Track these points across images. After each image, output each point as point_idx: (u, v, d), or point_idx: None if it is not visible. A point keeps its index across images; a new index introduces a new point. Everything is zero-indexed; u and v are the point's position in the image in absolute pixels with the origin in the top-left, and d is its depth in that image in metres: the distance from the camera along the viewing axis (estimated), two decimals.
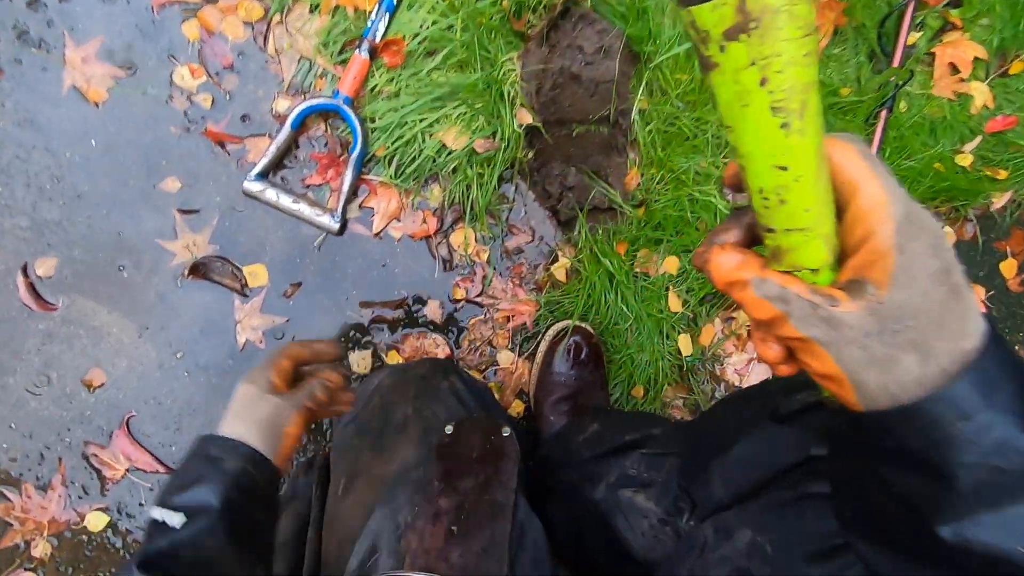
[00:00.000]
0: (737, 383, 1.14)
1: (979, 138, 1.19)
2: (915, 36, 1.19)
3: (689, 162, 1.05)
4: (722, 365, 1.14)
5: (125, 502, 0.94)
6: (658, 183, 1.07)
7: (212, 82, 0.98)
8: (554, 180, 1.08)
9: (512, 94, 0.99)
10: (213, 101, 0.98)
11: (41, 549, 0.91)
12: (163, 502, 0.51)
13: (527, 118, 1.00)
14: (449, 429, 0.68)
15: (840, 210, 0.29)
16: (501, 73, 0.98)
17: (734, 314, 1.14)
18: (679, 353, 1.10)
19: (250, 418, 0.57)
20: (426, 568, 0.53)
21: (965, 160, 1.17)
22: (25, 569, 0.91)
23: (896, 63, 1.12)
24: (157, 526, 0.49)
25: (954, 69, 1.20)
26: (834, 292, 0.28)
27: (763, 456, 0.57)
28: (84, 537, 0.93)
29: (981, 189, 1.16)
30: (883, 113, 1.11)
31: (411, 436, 0.72)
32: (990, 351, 0.28)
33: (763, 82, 0.24)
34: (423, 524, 0.58)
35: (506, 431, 0.68)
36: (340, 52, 1.00)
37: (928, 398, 0.27)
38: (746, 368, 1.14)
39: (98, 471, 0.94)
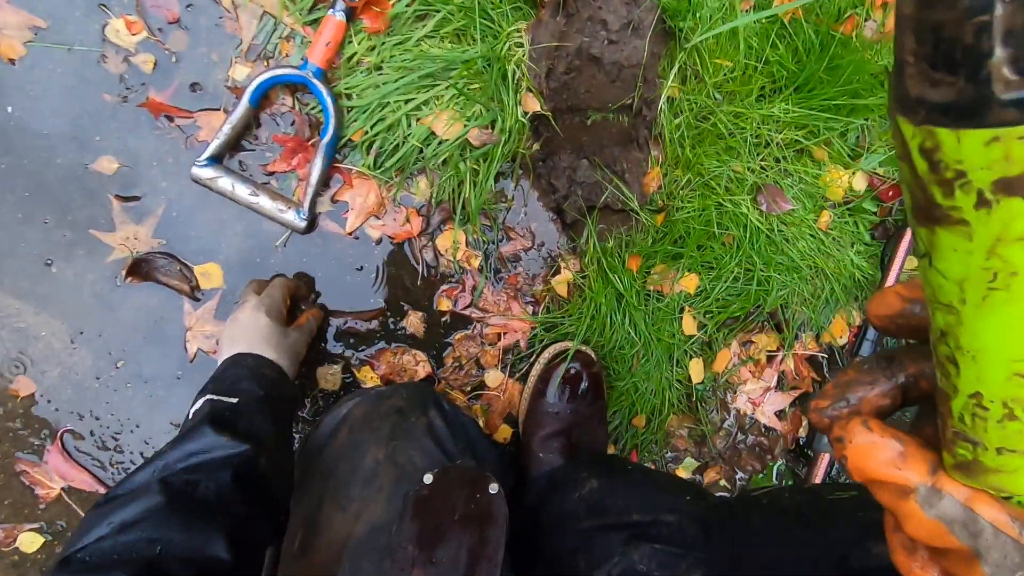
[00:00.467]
0: (750, 413, 1.03)
1: None
2: None
3: (722, 166, 0.89)
4: (735, 393, 1.03)
5: (60, 523, 0.85)
6: (683, 187, 0.92)
7: (154, 40, 0.81)
8: (561, 173, 0.93)
9: (518, 76, 0.82)
10: (156, 64, 0.81)
11: None
12: (213, 391, 0.62)
13: (534, 105, 0.83)
14: (428, 479, 0.60)
15: None
16: (506, 48, 0.81)
17: (754, 338, 1.01)
18: (688, 380, 0.98)
19: (279, 347, 0.71)
20: None
21: None
22: None
23: None
24: (212, 403, 0.61)
25: None
26: None
27: None
28: (16, 558, 0.84)
29: None
30: None
31: (382, 488, 0.63)
32: None
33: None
34: None
35: (494, 488, 0.60)
36: (311, 9, 0.82)
37: None
38: (761, 398, 1.03)
39: (31, 489, 0.84)
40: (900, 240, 0.96)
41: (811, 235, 0.97)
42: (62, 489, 0.84)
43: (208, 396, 0.61)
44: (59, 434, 0.83)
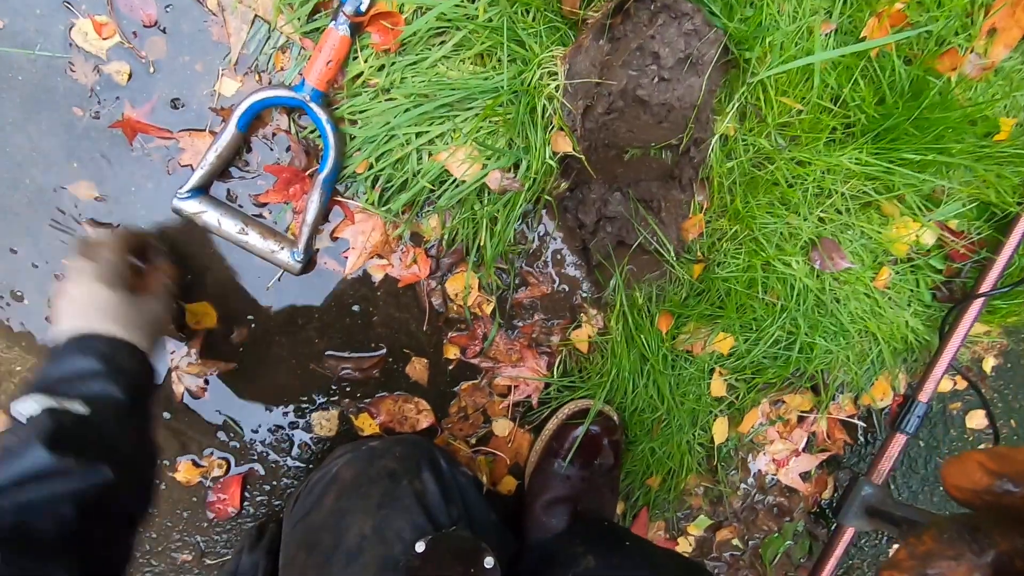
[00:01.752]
0: (772, 473, 0.97)
1: None
2: None
3: (777, 222, 0.78)
4: (760, 453, 0.95)
5: None
6: (728, 239, 0.81)
7: (128, 46, 0.69)
8: (590, 207, 0.82)
9: (549, 112, 0.70)
10: (131, 74, 0.70)
11: None
12: (51, 391, 0.49)
13: (565, 146, 0.71)
14: (420, 547, 0.57)
15: None
16: (536, 77, 0.68)
17: (785, 398, 0.93)
18: (711, 441, 0.90)
19: (132, 323, 0.56)
20: None
21: None
22: None
23: None
24: (52, 414, 0.46)
25: None
26: None
27: None
28: None
29: None
30: None
31: (367, 565, 0.58)
32: None
33: None
34: None
35: (489, 562, 0.57)
36: (311, 16, 0.69)
37: None
38: (787, 459, 0.96)
39: None
40: (968, 307, 0.85)
41: (866, 294, 0.86)
42: None
43: (44, 400, 0.47)
44: None
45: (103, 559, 0.47)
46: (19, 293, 0.74)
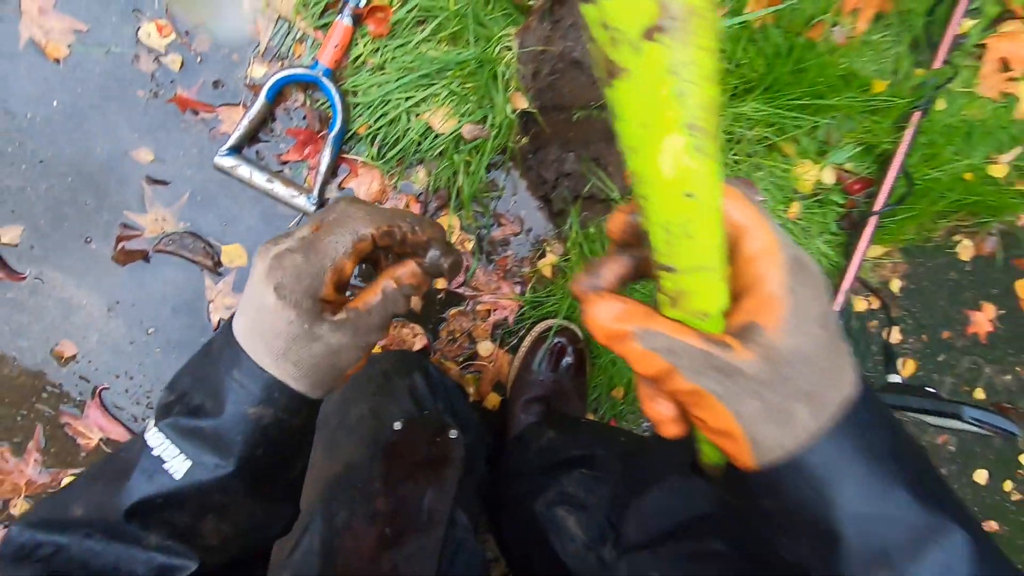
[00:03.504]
0: None
1: (1021, 148, 1.08)
2: (967, 24, 1.06)
3: None
4: None
5: None
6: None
7: (181, 42, 0.90)
8: (550, 166, 1.01)
9: (507, 76, 0.90)
10: (183, 63, 0.90)
11: (19, 508, 0.94)
12: (170, 428, 0.35)
13: (521, 103, 0.91)
14: (398, 426, 0.68)
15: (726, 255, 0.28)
16: (496, 51, 0.89)
17: None
18: None
19: (295, 358, 0.36)
20: (357, 572, 0.54)
21: (1000, 171, 1.08)
22: (3, 526, 0.94)
23: (941, 58, 1.00)
24: (150, 459, 0.35)
25: (1005, 66, 1.08)
26: (726, 339, 0.26)
27: (676, 505, 0.58)
28: None
29: (1010, 206, 1.07)
30: (915, 115, 1.01)
31: (362, 436, 0.71)
32: (864, 398, 0.28)
33: (680, 94, 0.21)
34: (358, 525, 0.59)
35: (453, 433, 0.68)
36: (321, 15, 0.90)
37: (814, 448, 0.26)
38: None
39: (72, 439, 0.95)
40: (863, 230, 1.03)
41: (781, 223, 1.04)
42: (100, 440, 0.95)
43: (156, 438, 0.35)
44: (98, 391, 0.94)
45: None
46: (89, 238, 0.92)
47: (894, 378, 0.90)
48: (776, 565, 0.31)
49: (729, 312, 0.28)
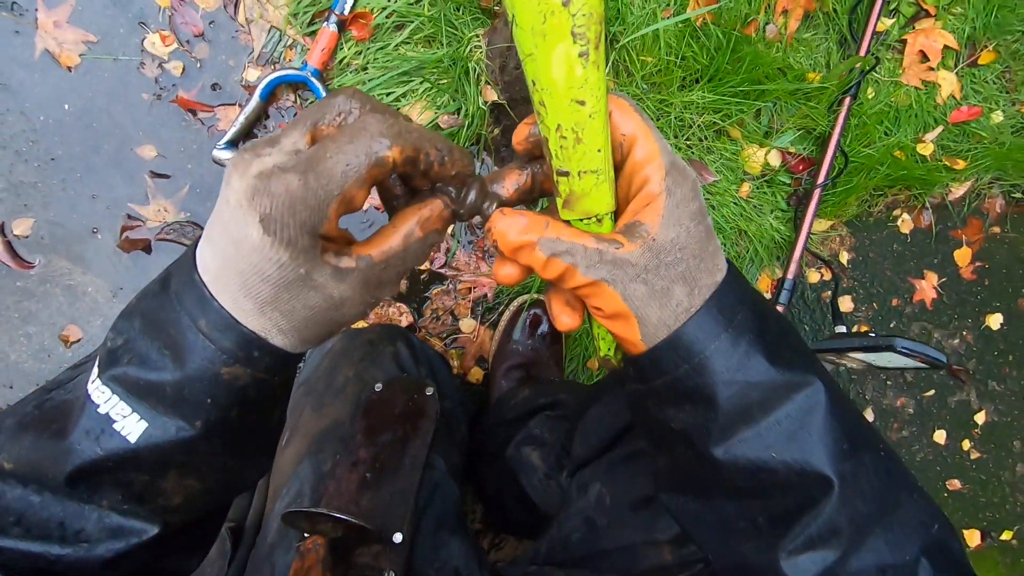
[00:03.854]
0: None
1: (941, 127, 1.20)
2: (888, 23, 1.20)
3: None
4: None
5: None
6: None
7: (183, 50, 1.00)
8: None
9: (477, 71, 1.00)
10: (184, 69, 1.00)
11: None
12: (115, 377, 0.30)
13: (492, 95, 1.02)
14: (378, 387, 0.72)
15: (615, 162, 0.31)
16: (467, 50, 1.00)
17: None
18: None
19: (282, 316, 0.29)
20: (337, 510, 0.56)
21: (926, 149, 1.20)
22: None
23: (864, 50, 1.13)
24: (94, 417, 0.30)
25: (924, 57, 1.21)
26: (616, 236, 0.31)
27: (611, 416, 0.63)
28: None
29: (939, 179, 1.18)
30: (847, 100, 1.12)
31: (347, 396, 0.75)
32: (729, 282, 0.33)
33: (566, 2, 0.24)
34: (341, 472, 0.63)
35: (429, 390, 0.73)
36: (309, 24, 1.01)
37: (686, 324, 0.31)
38: None
39: None
40: (809, 204, 1.13)
41: (734, 203, 1.15)
42: None
43: (100, 390, 0.30)
44: None
45: None
46: (95, 229, 0.99)
47: (840, 329, 0.98)
48: (671, 446, 0.37)
49: (620, 213, 0.33)
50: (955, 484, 1.27)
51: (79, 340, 0.99)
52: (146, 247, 1.00)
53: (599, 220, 0.32)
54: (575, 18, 0.24)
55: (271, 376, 0.31)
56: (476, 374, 1.10)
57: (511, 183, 0.34)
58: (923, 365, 0.83)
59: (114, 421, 0.30)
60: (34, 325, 0.99)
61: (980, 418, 1.28)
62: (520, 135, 0.33)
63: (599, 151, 0.29)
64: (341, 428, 0.70)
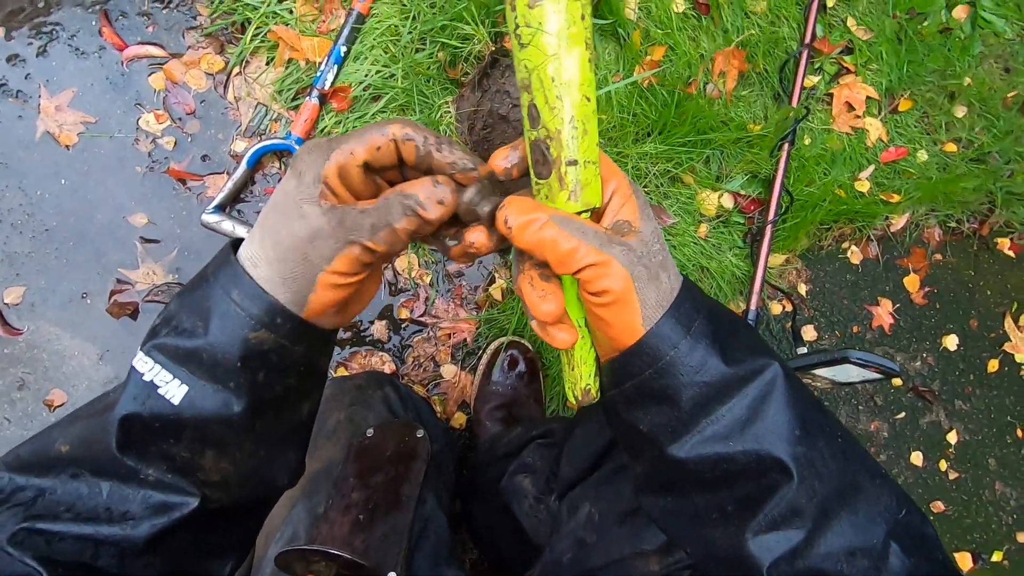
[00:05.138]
0: None
1: (874, 166, 1.32)
2: (815, 79, 1.34)
3: None
4: None
5: None
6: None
7: (175, 126, 1.08)
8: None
9: (448, 134, 1.10)
10: (176, 143, 1.08)
11: None
12: (158, 346, 0.34)
13: None
14: (370, 432, 0.74)
15: None
16: (438, 115, 1.10)
17: None
18: None
19: (270, 239, 0.35)
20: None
21: (863, 186, 1.31)
22: None
23: (794, 102, 1.26)
24: (140, 384, 0.34)
25: (850, 107, 1.35)
26: (609, 231, 0.35)
27: (597, 434, 0.65)
28: None
29: (877, 212, 1.28)
30: (785, 146, 1.24)
31: (339, 439, 0.77)
32: (684, 293, 0.36)
33: (583, 17, 0.30)
34: (335, 515, 0.64)
35: (420, 433, 0.74)
36: (293, 99, 1.11)
37: (648, 334, 0.35)
38: None
39: None
40: (762, 240, 1.22)
41: (693, 242, 1.23)
42: None
43: (144, 362, 0.34)
44: None
45: None
46: (85, 294, 1.03)
47: (801, 350, 1.04)
48: (641, 451, 0.39)
49: (603, 217, 0.37)
50: (939, 506, 1.29)
51: (63, 404, 1.00)
52: (134, 310, 1.04)
53: (591, 211, 0.35)
54: (588, 30, 0.30)
55: (291, 344, 0.36)
56: (459, 419, 1.12)
57: (514, 159, 0.35)
58: (879, 375, 0.88)
59: (158, 387, 0.34)
60: (18, 391, 1.00)
61: (952, 438, 1.31)
62: (505, 158, 0.35)
63: (597, 144, 0.33)
64: (333, 471, 0.71)
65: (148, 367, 0.34)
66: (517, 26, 0.30)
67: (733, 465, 0.35)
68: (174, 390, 0.34)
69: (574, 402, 0.43)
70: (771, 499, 0.35)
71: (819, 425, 0.37)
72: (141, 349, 0.34)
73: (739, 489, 0.36)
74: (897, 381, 1.32)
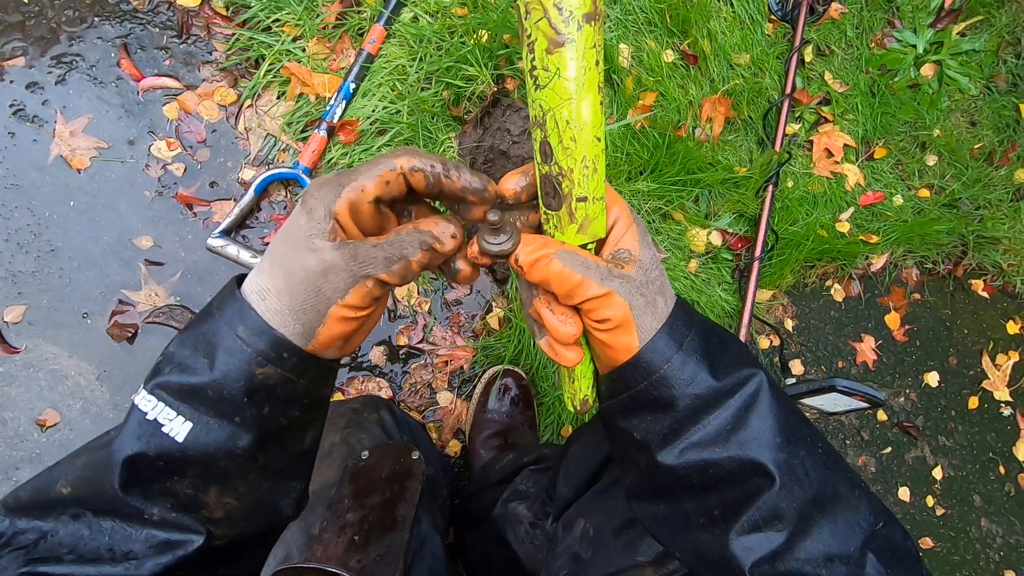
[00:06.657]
0: None
1: (853, 209, 1.39)
2: (796, 127, 1.42)
3: None
4: None
5: None
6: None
7: (186, 154, 1.12)
8: None
9: None
10: (185, 169, 1.11)
11: None
12: (161, 385, 0.34)
13: None
14: (365, 454, 0.74)
15: None
16: (441, 150, 1.15)
17: None
18: None
19: (281, 271, 0.35)
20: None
21: (844, 227, 1.37)
22: None
23: (777, 147, 1.33)
24: (144, 423, 0.34)
25: (829, 153, 1.43)
26: (610, 262, 0.37)
27: (592, 450, 0.67)
28: None
29: (858, 251, 1.34)
30: (770, 187, 1.30)
31: (334, 461, 0.77)
32: (677, 312, 0.39)
33: (597, 63, 0.31)
34: (329, 536, 0.64)
35: (415, 454, 0.75)
36: (302, 131, 1.15)
37: (643, 349, 0.37)
38: None
39: None
40: (750, 276, 1.26)
41: (684, 277, 1.27)
42: None
43: (147, 400, 0.34)
44: None
45: None
46: (86, 314, 1.04)
47: (790, 381, 1.07)
48: (633, 460, 0.41)
49: (605, 246, 0.40)
50: (927, 543, 1.30)
51: (55, 424, 0.99)
52: (134, 331, 1.05)
53: (596, 242, 0.37)
54: (601, 75, 0.32)
55: (296, 377, 0.36)
56: (454, 447, 1.13)
57: (522, 181, 0.37)
58: (864, 404, 0.91)
59: (162, 425, 0.34)
60: (11, 410, 0.99)
61: (937, 473, 1.34)
62: (514, 182, 0.37)
63: (603, 181, 0.35)
64: (328, 492, 0.71)
65: (151, 405, 0.34)
66: (534, 67, 0.31)
67: (719, 470, 0.37)
68: (178, 427, 0.34)
69: (573, 411, 0.46)
70: (754, 502, 0.36)
71: (801, 435, 0.39)
72: (144, 388, 0.34)
73: (726, 494, 0.38)
74: (882, 415, 1.35)
